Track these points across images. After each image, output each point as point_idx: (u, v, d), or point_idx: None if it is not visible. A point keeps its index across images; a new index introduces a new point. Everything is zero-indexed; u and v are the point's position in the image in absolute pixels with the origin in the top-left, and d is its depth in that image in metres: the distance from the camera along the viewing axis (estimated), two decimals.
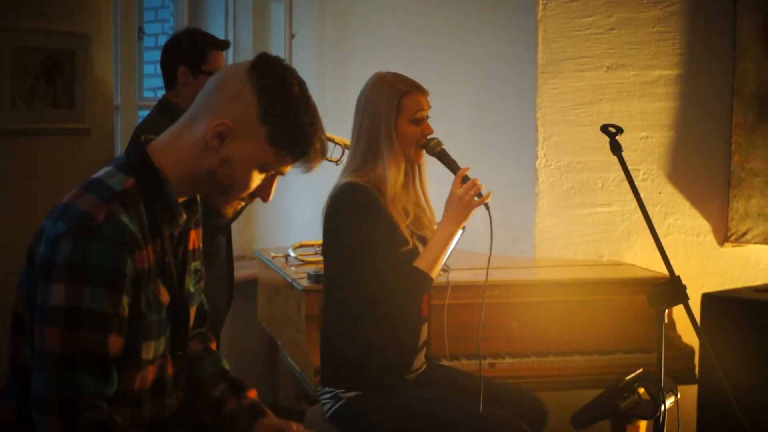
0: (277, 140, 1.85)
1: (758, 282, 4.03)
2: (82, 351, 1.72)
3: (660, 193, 4.26)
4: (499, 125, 4.42)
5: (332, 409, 2.93)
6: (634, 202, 2.56)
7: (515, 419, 2.85)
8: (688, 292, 2.41)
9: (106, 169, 1.88)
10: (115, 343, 1.76)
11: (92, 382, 1.72)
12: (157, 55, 6.08)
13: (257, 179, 1.91)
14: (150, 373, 1.89)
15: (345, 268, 2.90)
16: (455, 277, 3.35)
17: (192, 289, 2.04)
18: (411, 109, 2.91)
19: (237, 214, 3.28)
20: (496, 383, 3.08)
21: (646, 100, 4.24)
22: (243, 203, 1.97)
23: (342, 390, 2.91)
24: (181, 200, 1.91)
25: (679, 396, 2.56)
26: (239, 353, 4.46)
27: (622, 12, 4.21)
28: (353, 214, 2.85)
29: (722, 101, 4.24)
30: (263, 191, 1.95)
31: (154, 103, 5.76)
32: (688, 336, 3.57)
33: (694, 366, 3.63)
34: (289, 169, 1.92)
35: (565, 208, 4.24)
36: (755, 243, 4.21)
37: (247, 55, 5.06)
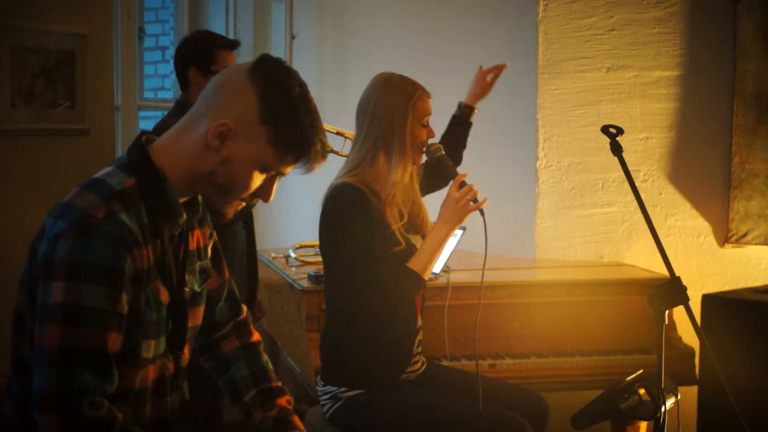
0: (278, 141, 1.86)
1: (758, 283, 4.03)
2: (81, 348, 1.72)
3: (660, 193, 4.26)
4: (499, 126, 4.42)
5: (332, 410, 2.93)
6: (635, 203, 2.56)
7: (515, 416, 2.85)
8: (689, 293, 2.41)
9: (108, 168, 1.88)
10: (115, 340, 1.76)
11: (92, 378, 1.72)
12: (157, 56, 6.10)
13: (258, 180, 1.91)
14: (151, 372, 1.89)
15: (340, 269, 2.91)
16: (455, 278, 3.36)
17: (197, 289, 2.03)
18: (422, 111, 2.94)
19: (240, 213, 3.30)
20: (498, 382, 3.09)
21: (646, 100, 4.24)
22: (243, 203, 1.97)
23: (341, 390, 2.92)
24: (181, 200, 1.92)
25: (679, 397, 2.55)
26: None
27: (623, 13, 4.21)
28: (346, 215, 2.86)
29: (723, 102, 4.23)
30: (264, 192, 1.95)
31: (154, 104, 5.80)
32: (689, 337, 3.57)
33: (694, 367, 3.63)
34: (290, 170, 1.92)
35: (565, 208, 4.24)
36: (756, 244, 4.20)
37: (248, 55, 5.06)
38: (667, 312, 2.40)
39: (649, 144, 4.25)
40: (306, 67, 5.10)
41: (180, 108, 3.53)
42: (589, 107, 4.22)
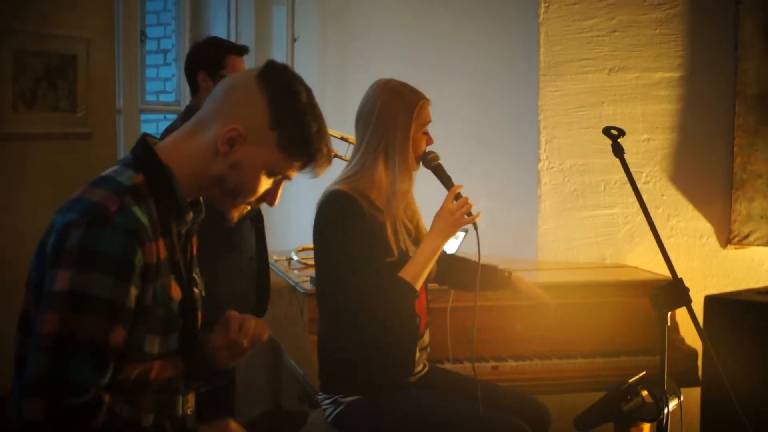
0: (287, 145, 1.88)
1: (761, 284, 4.03)
2: (81, 337, 1.71)
3: (662, 195, 4.26)
4: (501, 128, 4.42)
5: (333, 414, 2.93)
6: (637, 205, 2.56)
7: (516, 420, 2.85)
8: (691, 294, 2.41)
9: (114, 167, 1.89)
10: (119, 335, 1.75)
11: (87, 371, 1.71)
12: (159, 59, 6.11)
13: (265, 184, 1.93)
14: (156, 367, 1.88)
15: (332, 275, 2.91)
16: None
17: (202, 293, 2.04)
18: (424, 119, 2.94)
19: (246, 214, 3.30)
20: (500, 388, 3.08)
21: (648, 102, 4.24)
22: (249, 207, 1.98)
23: (340, 395, 2.92)
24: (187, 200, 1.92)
25: (682, 398, 2.55)
26: None
27: (624, 14, 4.21)
28: (338, 222, 2.87)
29: (724, 103, 4.23)
30: (270, 196, 1.97)
31: (156, 107, 5.80)
32: (691, 338, 3.57)
33: (697, 368, 3.63)
34: (295, 174, 1.94)
35: (567, 210, 4.24)
36: (758, 245, 4.20)
37: (250, 58, 5.06)
38: (669, 313, 2.40)
39: (650, 145, 4.25)
40: (307, 70, 5.10)
41: (190, 113, 3.54)
42: (591, 109, 4.22)
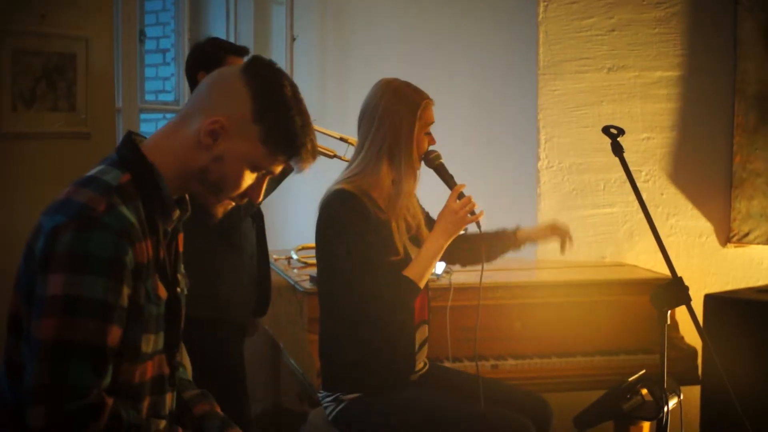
0: (270, 139, 1.87)
1: (761, 282, 4.03)
2: (78, 340, 1.70)
3: (662, 194, 4.26)
4: (500, 127, 4.42)
5: (334, 412, 2.94)
6: (636, 203, 2.56)
7: (518, 417, 2.85)
8: (691, 293, 2.41)
9: (99, 167, 1.88)
10: (115, 335, 1.75)
11: (88, 373, 1.71)
12: (158, 59, 6.10)
13: (249, 179, 1.92)
14: (150, 368, 1.88)
15: (334, 273, 2.91)
16: (457, 279, 3.36)
17: (185, 291, 2.04)
18: (428, 119, 2.94)
19: (246, 210, 3.30)
20: (501, 384, 3.09)
21: (647, 101, 4.24)
22: (233, 203, 1.97)
23: (341, 393, 2.92)
24: (173, 198, 1.92)
25: (682, 397, 2.56)
26: None
27: (623, 13, 4.21)
28: (341, 220, 2.87)
29: (724, 102, 4.24)
30: (254, 191, 1.96)
31: (155, 107, 5.80)
32: (691, 337, 3.57)
33: (696, 367, 3.63)
34: (279, 169, 1.94)
35: (567, 209, 4.24)
36: (758, 243, 4.20)
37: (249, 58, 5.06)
38: (669, 312, 2.40)
39: (650, 144, 4.25)
40: (307, 69, 5.10)
41: None
42: (590, 108, 4.22)
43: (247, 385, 3.51)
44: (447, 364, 3.32)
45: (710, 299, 3.58)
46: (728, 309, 3.55)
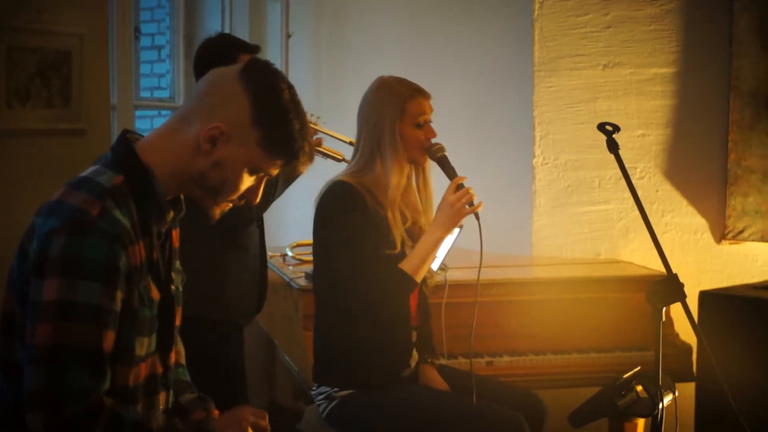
0: (269, 143, 1.88)
1: (756, 279, 4.03)
2: (74, 346, 1.71)
3: (657, 190, 4.26)
4: (495, 123, 4.42)
5: (327, 409, 2.93)
6: (631, 200, 2.56)
7: (512, 412, 2.85)
8: (686, 289, 2.41)
9: (93, 167, 1.88)
10: (109, 339, 1.75)
11: (85, 378, 1.71)
12: (153, 55, 6.09)
13: (247, 181, 1.93)
14: (143, 370, 1.88)
15: (330, 265, 2.91)
16: (453, 275, 3.35)
17: (180, 288, 2.04)
18: (414, 113, 2.93)
19: (257, 212, 3.30)
20: (495, 382, 3.09)
21: (642, 97, 4.24)
22: (231, 205, 1.97)
23: (335, 389, 2.92)
24: (168, 198, 1.92)
25: (677, 394, 2.56)
26: None
27: (618, 10, 4.21)
28: (338, 212, 2.87)
29: (719, 99, 4.24)
30: (252, 193, 1.96)
31: (150, 103, 5.79)
32: (686, 334, 3.57)
33: (691, 364, 3.64)
34: (277, 172, 1.94)
35: (562, 206, 4.24)
36: (752, 240, 4.21)
37: None
38: (664, 309, 2.41)
39: (645, 141, 4.25)
40: (302, 67, 5.10)
41: None
42: (586, 104, 4.22)
43: (246, 384, 3.51)
44: (442, 361, 3.32)
45: (705, 296, 3.58)
46: (723, 306, 3.55)
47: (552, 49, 4.20)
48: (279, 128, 1.87)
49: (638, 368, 2.57)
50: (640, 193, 2.59)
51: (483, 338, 3.48)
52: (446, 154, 2.96)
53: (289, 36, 5.17)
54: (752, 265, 4.26)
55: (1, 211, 3.56)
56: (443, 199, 2.89)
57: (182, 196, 1.99)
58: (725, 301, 3.56)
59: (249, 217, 3.31)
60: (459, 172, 2.96)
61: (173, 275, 2.00)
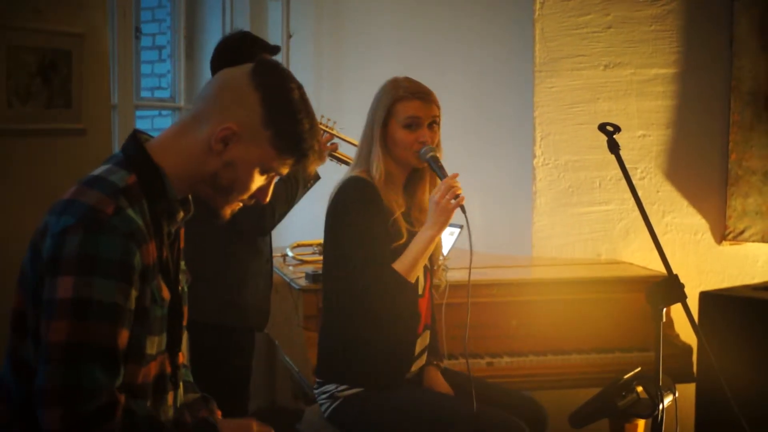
0: (280, 143, 1.90)
1: (756, 280, 4.03)
2: (90, 343, 1.72)
3: (658, 191, 4.26)
4: (496, 124, 4.42)
5: (329, 409, 2.93)
6: (632, 201, 2.56)
7: (514, 418, 2.85)
8: (686, 290, 2.41)
9: (106, 166, 1.89)
10: (124, 336, 1.77)
11: (101, 375, 1.72)
12: (153, 55, 6.09)
13: (258, 181, 1.95)
14: (153, 369, 1.89)
15: (341, 261, 2.91)
16: (452, 276, 3.35)
17: (186, 288, 2.06)
18: (401, 114, 2.93)
19: (279, 218, 3.31)
20: (496, 387, 3.08)
21: (643, 98, 4.24)
22: (241, 204, 1.99)
23: (338, 388, 2.92)
24: (177, 198, 1.93)
25: (677, 394, 2.56)
26: None
27: (619, 10, 4.21)
28: (353, 208, 2.88)
29: (720, 99, 4.24)
30: (262, 192, 1.99)
31: (151, 103, 5.79)
32: (686, 334, 3.57)
33: (692, 364, 3.63)
34: (287, 171, 1.96)
35: (562, 206, 4.24)
36: (753, 241, 4.21)
37: None
38: (664, 310, 2.40)
39: (646, 141, 4.25)
40: (303, 66, 5.10)
41: None
42: (586, 105, 4.22)
43: (249, 387, 3.51)
44: (446, 364, 3.32)
45: (705, 297, 3.58)
46: (723, 306, 3.55)
47: (553, 49, 4.20)
48: (289, 128, 1.90)
49: (638, 369, 2.58)
50: (640, 194, 2.59)
51: (483, 339, 3.48)
52: (437, 155, 2.94)
53: (290, 36, 5.17)
54: (753, 265, 4.26)
55: (2, 210, 3.56)
56: (429, 199, 2.89)
57: (190, 197, 2.01)
58: (726, 301, 3.56)
59: (271, 225, 3.31)
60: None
61: (180, 275, 2.02)
